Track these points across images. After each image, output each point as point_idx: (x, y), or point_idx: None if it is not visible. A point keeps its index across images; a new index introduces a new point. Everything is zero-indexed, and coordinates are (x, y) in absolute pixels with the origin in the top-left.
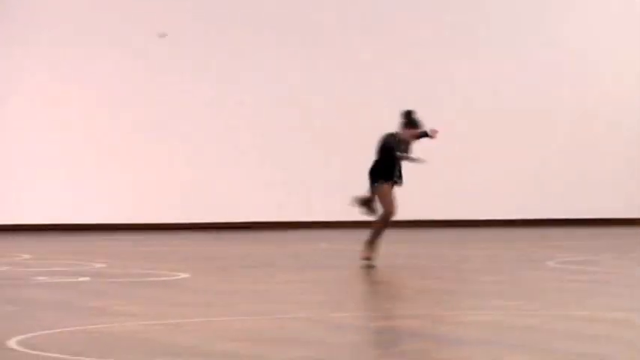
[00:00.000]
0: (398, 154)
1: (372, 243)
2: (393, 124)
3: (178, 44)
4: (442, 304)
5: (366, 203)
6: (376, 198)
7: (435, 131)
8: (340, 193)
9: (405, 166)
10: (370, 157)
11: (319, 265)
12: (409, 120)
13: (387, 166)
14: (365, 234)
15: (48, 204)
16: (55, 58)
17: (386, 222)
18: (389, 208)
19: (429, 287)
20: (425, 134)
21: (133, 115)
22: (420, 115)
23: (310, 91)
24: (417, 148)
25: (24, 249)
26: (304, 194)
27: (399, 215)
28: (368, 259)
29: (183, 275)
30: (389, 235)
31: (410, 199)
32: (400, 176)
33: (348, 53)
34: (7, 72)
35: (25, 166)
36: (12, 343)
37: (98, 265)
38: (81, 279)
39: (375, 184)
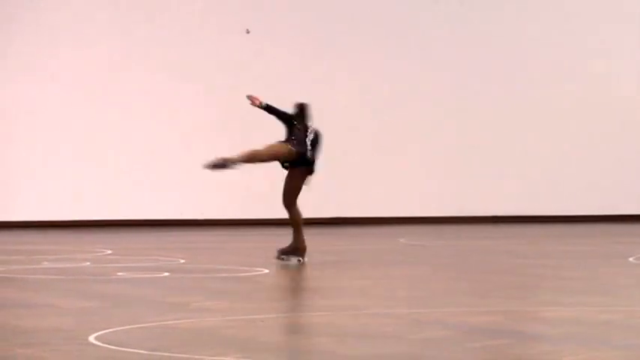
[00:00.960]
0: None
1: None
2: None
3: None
4: (522, 300)
5: (224, 165)
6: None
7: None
8: (419, 189)
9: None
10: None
11: (399, 261)
12: (303, 113)
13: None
14: (442, 229)
15: (126, 200)
16: (65, 57)
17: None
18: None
19: (509, 283)
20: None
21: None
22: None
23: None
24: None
25: (106, 245)
26: (384, 190)
27: (477, 211)
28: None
29: (263, 271)
30: (470, 231)
31: (488, 195)
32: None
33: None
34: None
35: (102, 163)
36: (92, 338)
37: (178, 261)
38: (161, 274)
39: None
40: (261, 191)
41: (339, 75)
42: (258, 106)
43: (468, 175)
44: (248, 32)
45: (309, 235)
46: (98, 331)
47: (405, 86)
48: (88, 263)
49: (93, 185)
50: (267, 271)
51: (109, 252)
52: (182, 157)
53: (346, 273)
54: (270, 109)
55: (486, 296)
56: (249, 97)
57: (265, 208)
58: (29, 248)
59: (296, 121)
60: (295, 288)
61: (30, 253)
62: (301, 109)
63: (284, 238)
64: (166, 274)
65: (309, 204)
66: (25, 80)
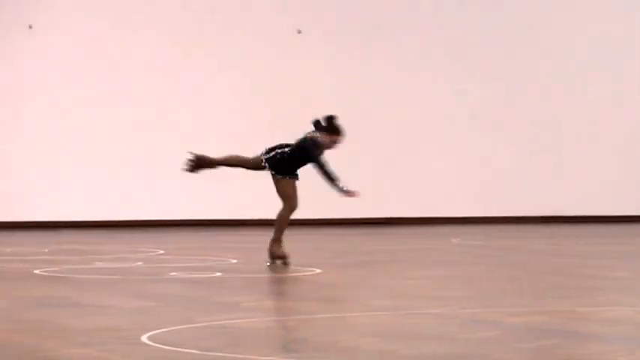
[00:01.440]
0: (325, 170)
1: (279, 240)
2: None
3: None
4: (575, 299)
5: (201, 165)
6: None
7: (353, 194)
8: (472, 189)
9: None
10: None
11: (451, 261)
12: (330, 126)
13: (296, 166)
14: (494, 229)
15: (178, 200)
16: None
17: (289, 217)
18: (294, 203)
19: (561, 283)
20: (341, 190)
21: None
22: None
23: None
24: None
25: (158, 245)
26: (436, 190)
27: (529, 211)
28: (283, 257)
29: (315, 270)
30: (522, 231)
31: (541, 195)
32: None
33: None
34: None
35: (153, 163)
36: (144, 338)
37: (230, 261)
38: (213, 274)
39: (281, 176)
40: (313, 192)
41: (390, 75)
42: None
43: (521, 176)
44: (299, 32)
45: (366, 236)
46: (150, 331)
47: (456, 87)
48: (141, 263)
49: (144, 185)
50: (319, 271)
51: (161, 252)
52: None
53: (398, 273)
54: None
55: (538, 296)
56: (350, 194)
57: (316, 209)
58: (81, 248)
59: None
60: (347, 288)
61: (82, 253)
62: (327, 121)
63: (337, 237)
64: (218, 274)
65: (362, 205)
66: (73, 82)
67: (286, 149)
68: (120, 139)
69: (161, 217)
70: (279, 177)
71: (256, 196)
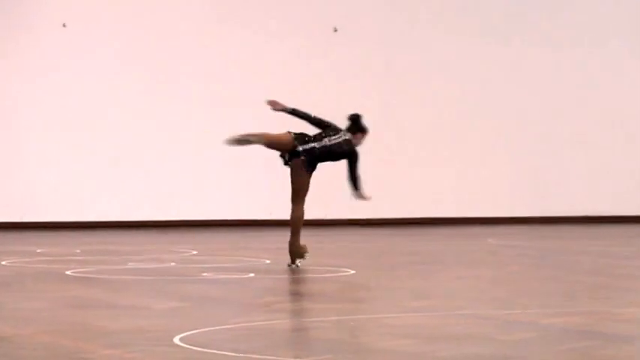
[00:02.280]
0: (358, 171)
1: (298, 240)
2: None
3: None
4: (613, 300)
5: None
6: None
7: (367, 198)
8: (508, 188)
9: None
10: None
11: (486, 262)
12: (358, 125)
13: (324, 161)
14: (531, 229)
15: (211, 200)
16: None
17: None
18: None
19: (599, 283)
20: (361, 192)
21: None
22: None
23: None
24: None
25: (191, 245)
26: (472, 189)
27: (566, 211)
28: (304, 252)
29: (349, 271)
30: (559, 232)
31: (577, 195)
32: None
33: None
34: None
35: (185, 162)
36: (177, 339)
37: (264, 261)
38: (247, 275)
39: (308, 171)
40: (347, 192)
41: (425, 73)
42: (282, 111)
43: (557, 175)
44: (336, 31)
45: (401, 236)
46: (183, 332)
47: (491, 85)
48: (174, 264)
49: (177, 185)
50: (353, 272)
51: (195, 252)
52: (269, 156)
53: (434, 274)
54: (296, 113)
55: (576, 297)
56: (270, 103)
57: (350, 209)
58: (113, 249)
59: (334, 129)
60: (382, 289)
61: (115, 254)
62: (353, 121)
63: (371, 238)
64: (252, 274)
65: (402, 204)
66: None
67: (327, 143)
68: (151, 139)
69: (194, 217)
70: (308, 171)
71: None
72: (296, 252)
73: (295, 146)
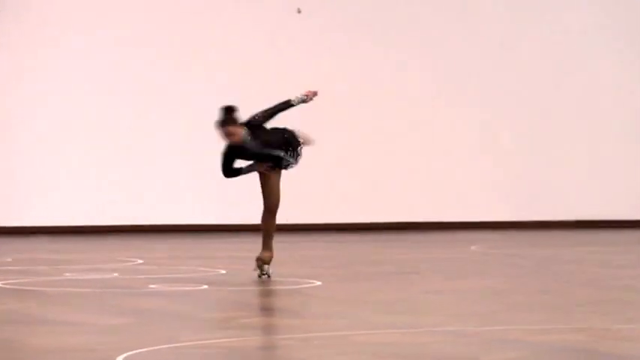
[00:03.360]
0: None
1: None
2: None
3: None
4: (611, 316)
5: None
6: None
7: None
8: (493, 189)
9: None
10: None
11: (469, 271)
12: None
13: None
14: (518, 235)
15: (159, 203)
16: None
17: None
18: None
19: (596, 296)
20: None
21: None
22: None
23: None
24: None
25: (136, 253)
26: (452, 192)
27: (557, 215)
28: (270, 259)
29: (314, 282)
30: (550, 238)
31: (569, 197)
32: None
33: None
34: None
35: (131, 162)
36: (120, 359)
37: (219, 271)
38: (199, 287)
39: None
40: (313, 194)
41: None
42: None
43: (547, 176)
44: (299, 12)
45: (373, 243)
46: (128, 351)
47: (476, 87)
48: (116, 274)
49: (121, 186)
50: (319, 283)
51: (140, 261)
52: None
53: (410, 285)
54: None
55: (570, 311)
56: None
57: (317, 213)
58: (48, 257)
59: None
60: (351, 302)
61: (50, 263)
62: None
63: (340, 245)
64: (205, 286)
65: (371, 207)
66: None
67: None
68: (87, 137)
69: (139, 221)
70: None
71: (251, 198)
72: (263, 260)
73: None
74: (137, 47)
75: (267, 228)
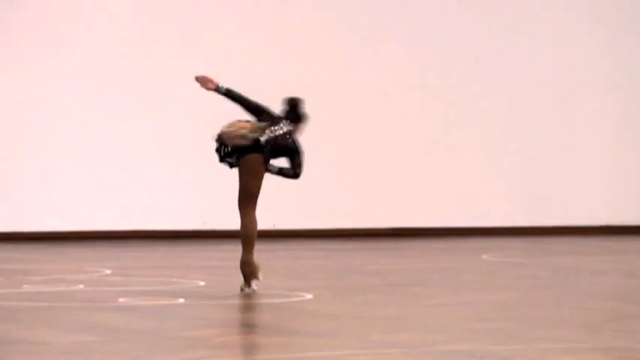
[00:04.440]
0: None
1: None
2: None
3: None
4: (633, 333)
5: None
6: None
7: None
8: (507, 192)
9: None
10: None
11: (479, 283)
12: (299, 112)
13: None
14: (534, 242)
15: (131, 207)
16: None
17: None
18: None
19: (624, 312)
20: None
21: None
22: None
23: None
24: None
25: (104, 262)
26: (460, 195)
27: (580, 220)
28: (257, 272)
29: (305, 296)
30: (571, 245)
31: (595, 201)
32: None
33: None
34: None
35: (100, 162)
36: None
37: (197, 283)
38: (175, 301)
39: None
40: (305, 198)
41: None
42: (214, 91)
43: (566, 175)
44: None
45: (370, 251)
46: None
47: (489, 87)
48: (82, 286)
49: (86, 188)
50: (310, 296)
51: (108, 272)
52: (205, 154)
53: (412, 299)
54: (231, 95)
55: (593, 329)
56: (199, 79)
57: (311, 218)
58: (4, 267)
59: (273, 117)
60: (346, 318)
61: (6, 274)
62: (293, 106)
63: (335, 253)
64: (181, 300)
65: (369, 211)
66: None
67: (274, 135)
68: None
69: (106, 227)
70: (265, 169)
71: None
72: (252, 272)
73: (256, 138)
74: (137, 47)
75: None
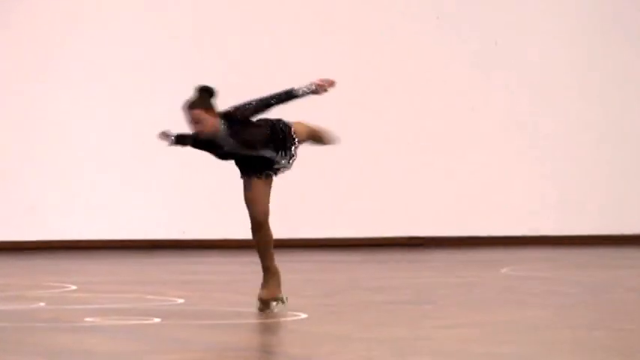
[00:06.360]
0: None
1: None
2: None
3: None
4: None
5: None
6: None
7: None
8: (530, 197)
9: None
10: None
11: (498, 301)
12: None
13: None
14: (562, 254)
15: (101, 214)
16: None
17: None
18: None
19: None
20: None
21: None
22: None
23: None
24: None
25: (68, 277)
26: (477, 203)
27: (614, 228)
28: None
29: (299, 315)
30: (603, 256)
31: (629, 207)
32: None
33: None
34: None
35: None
36: None
37: (175, 300)
38: (150, 320)
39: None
40: (303, 205)
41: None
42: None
43: (599, 177)
44: None
45: (374, 264)
46: None
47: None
48: (43, 304)
49: (48, 193)
50: (305, 315)
51: (73, 287)
52: (183, 161)
53: (423, 318)
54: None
55: (629, 355)
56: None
57: (300, 225)
58: None
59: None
60: (347, 340)
61: None
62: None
63: (334, 266)
64: (157, 319)
65: (375, 219)
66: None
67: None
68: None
69: (75, 236)
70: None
71: (213, 206)
72: (274, 295)
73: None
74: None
75: (259, 245)
